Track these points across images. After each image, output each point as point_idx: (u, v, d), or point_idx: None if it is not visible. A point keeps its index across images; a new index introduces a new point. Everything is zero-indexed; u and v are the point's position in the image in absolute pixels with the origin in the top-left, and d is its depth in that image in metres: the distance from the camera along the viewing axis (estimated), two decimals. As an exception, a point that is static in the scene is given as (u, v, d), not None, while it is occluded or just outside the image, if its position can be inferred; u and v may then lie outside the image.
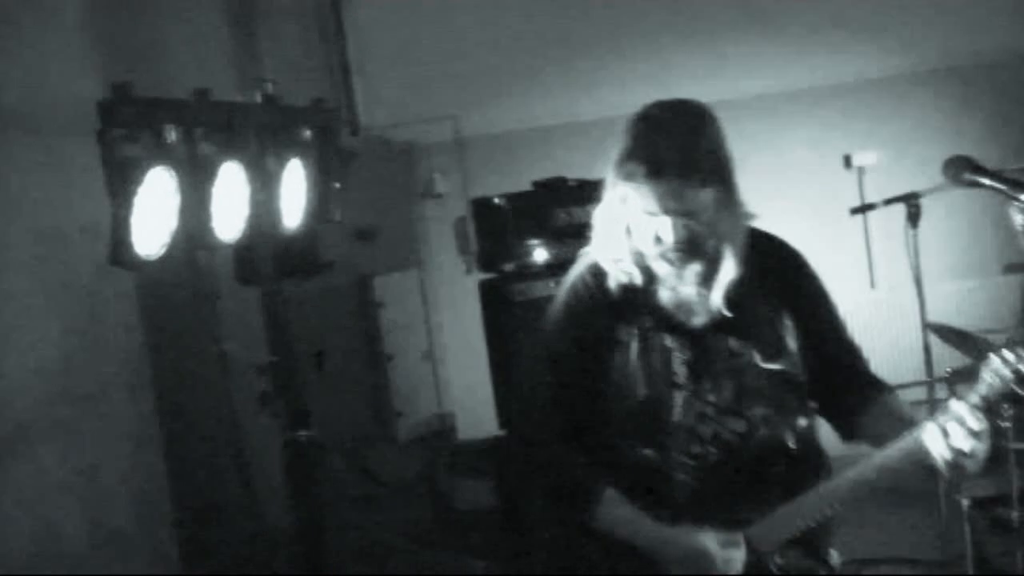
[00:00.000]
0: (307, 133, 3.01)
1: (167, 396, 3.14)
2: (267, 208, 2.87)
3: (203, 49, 3.65)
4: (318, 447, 2.87)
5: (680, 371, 2.02)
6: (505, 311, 4.13)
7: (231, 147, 2.67)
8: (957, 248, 4.75)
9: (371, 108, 4.49)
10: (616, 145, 1.96)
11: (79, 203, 2.60)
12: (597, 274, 2.07)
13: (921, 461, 1.90)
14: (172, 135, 2.39)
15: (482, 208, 4.29)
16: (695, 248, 1.97)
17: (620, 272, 2.02)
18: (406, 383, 4.50)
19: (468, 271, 4.39)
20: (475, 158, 4.74)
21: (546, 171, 4.37)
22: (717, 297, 1.99)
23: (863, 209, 3.95)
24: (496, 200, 4.21)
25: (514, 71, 4.55)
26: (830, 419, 2.13)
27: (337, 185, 3.11)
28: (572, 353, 2.06)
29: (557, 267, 4.08)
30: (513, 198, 4.23)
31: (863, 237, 4.92)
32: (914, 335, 3.81)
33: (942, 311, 4.16)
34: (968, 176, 2.00)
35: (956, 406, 1.87)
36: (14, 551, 2.42)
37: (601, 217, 2.04)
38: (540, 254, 4.19)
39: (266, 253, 2.95)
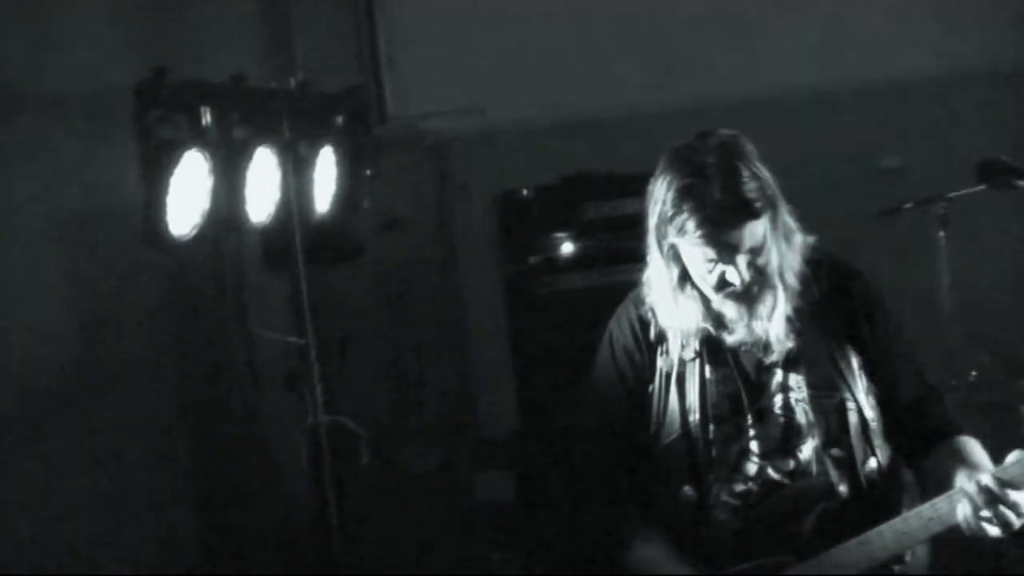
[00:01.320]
0: (340, 120, 3.06)
1: (192, 379, 3.15)
2: (298, 193, 2.91)
3: (237, 36, 3.66)
4: (342, 432, 2.89)
5: (722, 404, 1.99)
6: (530, 304, 4.10)
7: (265, 132, 2.72)
8: (989, 253, 4.66)
9: (401, 97, 4.49)
10: (653, 197, 1.92)
11: (108, 186, 2.61)
12: (641, 306, 2.07)
13: (951, 525, 1.86)
14: (207, 118, 2.42)
15: (509, 200, 4.25)
16: (765, 282, 1.93)
17: (691, 338, 1.99)
18: (431, 373, 4.51)
19: (494, 263, 4.38)
20: (504, 150, 4.63)
21: (575, 166, 4.32)
22: (779, 328, 1.95)
23: (890, 212, 3.90)
24: (524, 192, 4.18)
25: (544, 64, 4.45)
26: (902, 458, 2.07)
27: (368, 173, 3.15)
28: (616, 388, 2.07)
29: (583, 260, 4.07)
30: (540, 191, 4.19)
31: (890, 242, 4.85)
32: (943, 342, 3.74)
33: (974, 319, 4.06)
34: (1004, 178, 1.98)
35: (987, 480, 1.81)
36: (31, 537, 2.42)
37: (656, 281, 2.00)
38: (567, 248, 4.15)
39: (295, 238, 2.97)
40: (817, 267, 2.00)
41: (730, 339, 1.99)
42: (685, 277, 1.98)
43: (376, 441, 3.04)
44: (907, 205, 3.71)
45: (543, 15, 4.39)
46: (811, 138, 4.29)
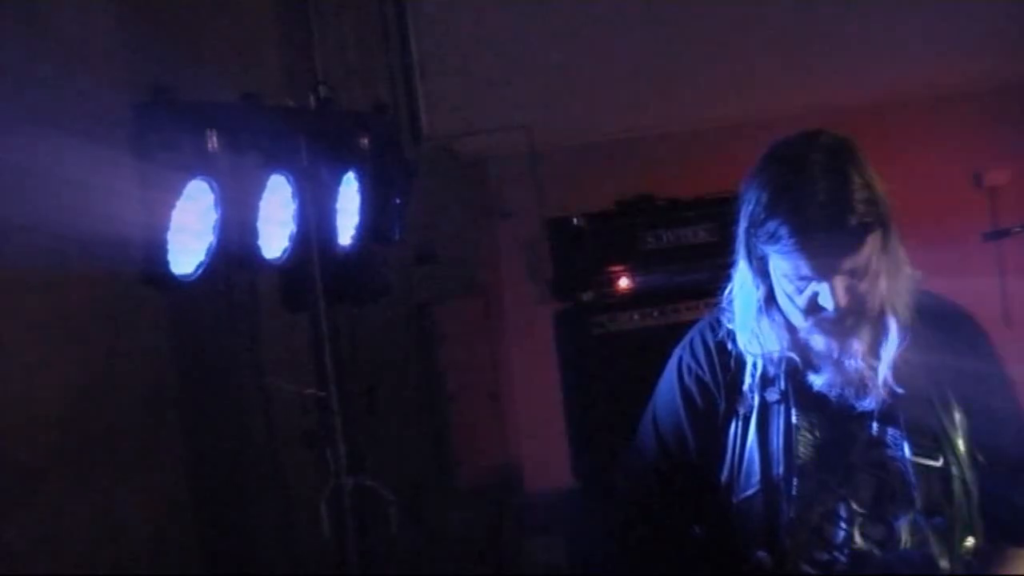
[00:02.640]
0: (365, 141, 2.99)
1: (198, 438, 3.09)
2: (319, 225, 2.86)
3: (252, 49, 3.61)
4: (370, 495, 2.85)
5: (807, 456, 1.95)
6: (583, 345, 4.15)
7: (279, 156, 2.65)
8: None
9: (435, 115, 4.51)
10: (745, 198, 1.90)
11: (107, 215, 2.52)
12: (719, 331, 2.04)
13: None
14: (214, 142, 2.36)
15: (558, 228, 4.30)
16: (862, 311, 1.89)
17: (776, 373, 1.98)
18: (469, 426, 4.48)
19: (542, 300, 4.49)
20: (551, 173, 4.69)
21: (631, 188, 4.40)
22: (886, 370, 1.90)
23: (997, 235, 3.86)
24: (574, 220, 4.21)
25: (594, 76, 4.51)
26: (1005, 538, 2.02)
27: (398, 201, 3.10)
28: (683, 428, 2.05)
29: (643, 297, 4.15)
30: (593, 218, 4.24)
31: (996, 267, 4.69)
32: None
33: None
34: None
35: None
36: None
37: (740, 300, 1.98)
38: (624, 282, 4.20)
39: (316, 275, 2.92)
40: (920, 307, 1.96)
41: (818, 380, 1.95)
42: (772, 298, 1.95)
43: (410, 504, 3.10)
44: (1016, 228, 3.73)
45: (591, 23, 4.42)
46: (907, 151, 4.27)
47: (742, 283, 1.97)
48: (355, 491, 2.84)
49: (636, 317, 4.16)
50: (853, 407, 1.95)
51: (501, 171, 4.91)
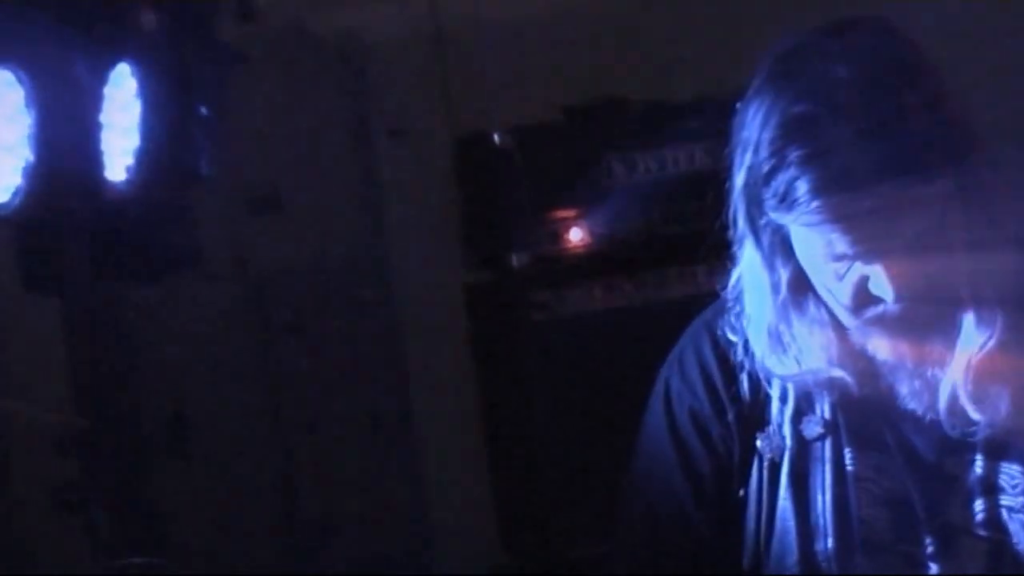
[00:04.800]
0: (149, 19, 3.03)
1: None
2: (73, 152, 2.87)
3: None
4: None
5: (874, 519, 2.01)
6: (514, 341, 4.26)
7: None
8: None
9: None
10: (740, 140, 1.91)
11: None
12: (721, 336, 2.11)
13: None
14: None
15: (474, 152, 4.37)
16: (943, 299, 1.93)
17: (816, 397, 2.05)
18: (342, 475, 4.47)
19: (455, 268, 4.55)
20: (463, 66, 4.67)
21: (589, 88, 4.45)
22: (976, 384, 1.92)
23: None
24: (498, 138, 4.25)
25: None
26: None
27: (205, 112, 3.15)
28: (677, 493, 2.13)
29: (609, 259, 4.17)
30: (529, 134, 4.29)
31: None
32: None
33: None
34: None
35: None
36: None
37: (751, 290, 2.03)
38: (578, 235, 4.26)
39: (70, 234, 2.94)
40: None
41: (887, 400, 2.00)
42: (802, 284, 1.99)
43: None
44: None
45: None
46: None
47: (751, 268, 2.02)
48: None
49: (598, 293, 4.22)
50: (944, 438, 1.99)
51: (385, 63, 4.88)
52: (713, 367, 2.12)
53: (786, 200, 1.85)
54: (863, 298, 1.92)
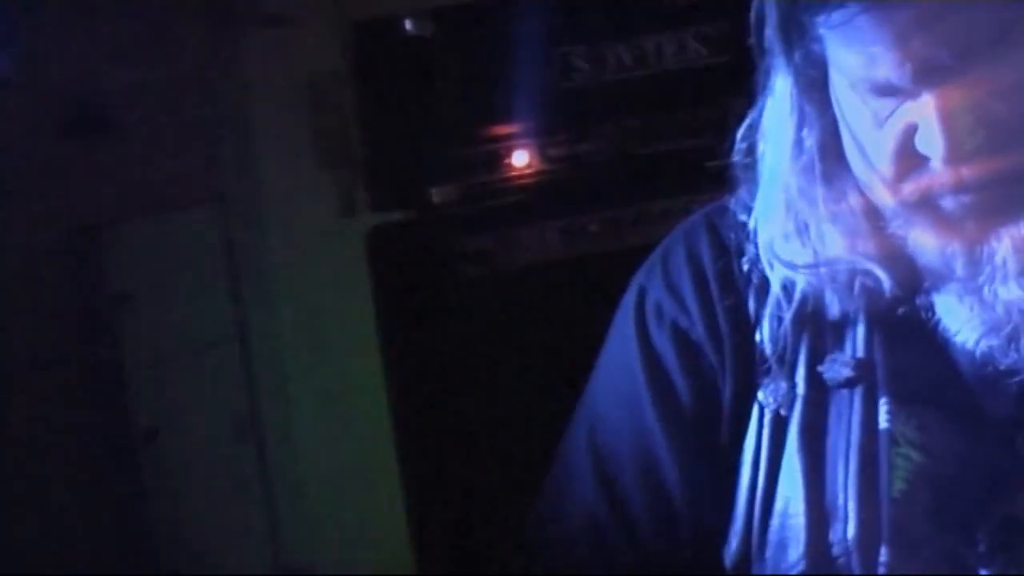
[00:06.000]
0: None
1: None
2: None
3: None
4: None
5: (911, 498, 1.80)
6: (438, 303, 3.86)
7: None
8: None
9: None
10: None
11: None
12: (725, 226, 1.96)
13: None
14: None
15: (376, 43, 3.92)
16: (1014, 167, 1.70)
17: (826, 288, 1.86)
18: (190, 492, 4.31)
19: (348, 211, 4.12)
20: None
21: None
22: None
23: None
24: (408, 24, 3.78)
25: None
26: None
27: None
28: (647, 438, 1.93)
29: (566, 192, 3.84)
30: (454, 20, 3.86)
31: None
32: None
33: None
34: None
35: None
36: None
37: (771, 134, 1.84)
38: (524, 159, 3.80)
39: None
40: None
41: (937, 326, 1.79)
42: (833, 145, 1.80)
43: None
44: None
45: None
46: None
47: (775, 113, 1.84)
48: None
49: (555, 236, 3.76)
50: (1008, 391, 1.77)
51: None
52: (710, 268, 1.95)
53: (833, 19, 1.67)
54: (906, 158, 1.72)
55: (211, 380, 4.47)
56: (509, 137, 3.84)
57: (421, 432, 3.99)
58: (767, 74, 1.81)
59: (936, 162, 1.63)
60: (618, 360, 1.98)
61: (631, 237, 3.79)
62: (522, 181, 3.86)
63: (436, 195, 3.79)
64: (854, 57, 1.67)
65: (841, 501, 1.82)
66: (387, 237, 3.95)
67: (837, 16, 1.62)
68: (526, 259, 3.85)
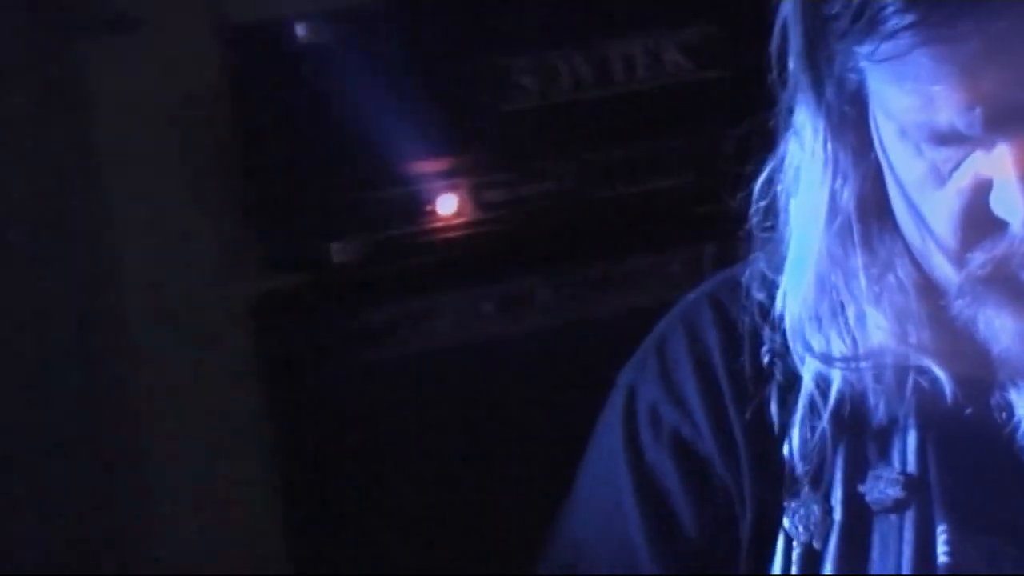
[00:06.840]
0: None
1: None
2: None
3: None
4: None
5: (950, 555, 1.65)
6: (331, 392, 3.37)
7: None
8: None
9: None
10: None
11: None
12: (731, 309, 1.78)
13: None
14: None
15: (256, 59, 3.45)
16: None
17: (868, 389, 1.65)
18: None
19: (229, 267, 3.66)
20: None
21: None
22: None
23: None
24: (299, 30, 3.37)
25: None
26: None
27: None
28: (643, 553, 1.76)
29: (513, 246, 3.45)
30: (353, 21, 3.42)
31: None
32: None
33: None
34: None
35: None
36: None
37: (795, 180, 1.69)
38: (452, 205, 3.39)
39: None
40: None
41: (1012, 421, 1.62)
42: (877, 201, 1.67)
43: None
44: None
45: None
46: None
47: (801, 162, 1.68)
48: None
49: (491, 307, 3.32)
50: None
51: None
52: (719, 362, 1.74)
53: (871, 27, 1.49)
54: (976, 222, 1.55)
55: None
56: (432, 176, 3.33)
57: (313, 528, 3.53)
58: (789, 113, 1.65)
59: (1017, 226, 1.48)
60: (603, 482, 1.80)
61: (594, 308, 3.34)
62: (449, 234, 3.38)
63: (336, 253, 3.27)
64: (907, 98, 1.50)
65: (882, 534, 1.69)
66: (272, 308, 3.42)
67: (887, 48, 1.46)
68: (453, 338, 3.33)
